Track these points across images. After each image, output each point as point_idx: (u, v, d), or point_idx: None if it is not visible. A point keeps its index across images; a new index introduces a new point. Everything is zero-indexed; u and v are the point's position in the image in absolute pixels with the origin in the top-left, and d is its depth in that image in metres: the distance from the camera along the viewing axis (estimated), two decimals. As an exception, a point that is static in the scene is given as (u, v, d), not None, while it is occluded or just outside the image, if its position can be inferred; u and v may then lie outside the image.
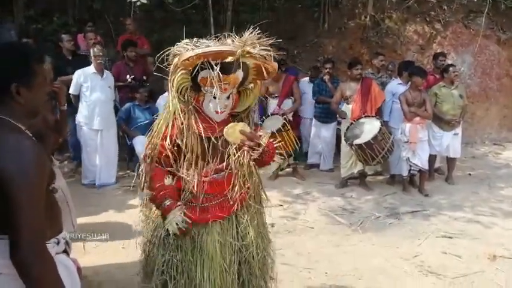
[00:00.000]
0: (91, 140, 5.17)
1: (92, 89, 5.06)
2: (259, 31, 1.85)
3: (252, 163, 1.97)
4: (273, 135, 5.12)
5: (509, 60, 8.58)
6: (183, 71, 1.87)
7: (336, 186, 5.42)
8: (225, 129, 1.90)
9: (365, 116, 5.07)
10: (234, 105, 2.03)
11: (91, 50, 5.16)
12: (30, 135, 1.36)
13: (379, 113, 5.27)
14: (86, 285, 3.01)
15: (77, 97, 5.14)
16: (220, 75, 1.81)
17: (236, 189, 2.02)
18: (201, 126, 1.96)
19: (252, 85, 2.06)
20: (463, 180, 5.83)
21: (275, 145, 2.01)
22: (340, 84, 5.54)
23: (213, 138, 1.98)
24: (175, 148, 2.01)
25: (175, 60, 1.87)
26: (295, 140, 5.40)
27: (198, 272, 2.04)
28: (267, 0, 8.60)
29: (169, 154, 2.00)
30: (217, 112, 1.96)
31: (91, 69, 5.07)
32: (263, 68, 1.93)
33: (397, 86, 5.61)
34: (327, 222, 4.32)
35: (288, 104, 5.71)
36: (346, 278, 3.20)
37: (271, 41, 1.89)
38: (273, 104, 5.73)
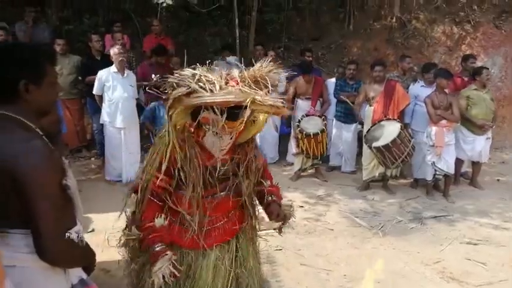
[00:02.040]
0: (114, 139, 5.30)
1: (114, 88, 5.18)
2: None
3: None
4: (314, 136, 5.18)
5: (542, 62, 8.26)
6: (182, 108, 1.69)
7: (357, 189, 5.37)
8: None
9: (386, 119, 5.01)
10: (237, 136, 1.93)
11: (110, 50, 5.28)
12: (41, 133, 1.38)
13: (401, 116, 5.19)
14: (108, 278, 3.11)
15: (101, 97, 5.29)
16: (224, 121, 1.68)
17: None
18: (201, 157, 1.86)
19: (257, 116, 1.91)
20: (491, 186, 5.65)
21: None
22: (363, 86, 5.49)
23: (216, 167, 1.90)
24: (175, 176, 1.89)
25: (175, 92, 1.65)
26: (326, 144, 5.45)
27: None
28: (292, 1, 8.59)
29: (165, 186, 1.89)
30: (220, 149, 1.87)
31: (112, 68, 5.19)
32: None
33: (420, 88, 5.52)
34: (347, 225, 4.29)
35: (317, 108, 5.72)
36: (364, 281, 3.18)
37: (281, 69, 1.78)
38: (302, 106, 5.73)
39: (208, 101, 1.60)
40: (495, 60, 8.08)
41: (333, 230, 4.14)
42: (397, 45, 8.28)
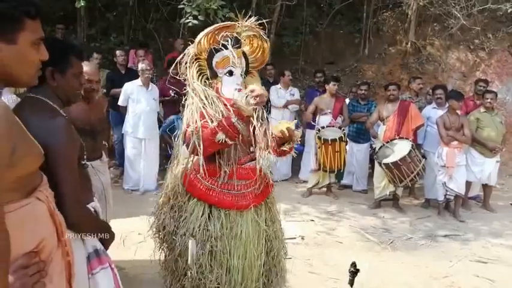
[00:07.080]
0: (135, 148, 5.51)
1: (138, 101, 5.42)
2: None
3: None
4: (332, 142, 5.29)
5: (558, 90, 8.28)
6: (199, 61, 2.20)
7: (369, 207, 5.41)
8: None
9: (399, 138, 5.10)
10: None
11: (139, 65, 5.55)
12: (64, 115, 1.57)
13: (414, 136, 5.27)
14: (122, 276, 3.23)
15: (125, 108, 5.54)
16: (231, 47, 2.16)
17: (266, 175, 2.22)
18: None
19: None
20: (504, 209, 5.62)
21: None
22: (377, 106, 5.62)
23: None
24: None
25: (190, 51, 2.20)
26: (345, 158, 5.52)
27: (233, 259, 2.13)
28: (309, 25, 8.89)
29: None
30: (236, 90, 2.14)
31: (138, 82, 5.44)
32: (259, 49, 2.30)
33: (431, 110, 5.63)
34: (357, 239, 4.34)
35: (338, 121, 5.84)
36: (372, 290, 3.22)
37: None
38: (324, 120, 5.82)
39: (207, 30, 2.21)
40: (509, 86, 8.14)
41: (342, 243, 4.20)
42: (412, 70, 8.43)
